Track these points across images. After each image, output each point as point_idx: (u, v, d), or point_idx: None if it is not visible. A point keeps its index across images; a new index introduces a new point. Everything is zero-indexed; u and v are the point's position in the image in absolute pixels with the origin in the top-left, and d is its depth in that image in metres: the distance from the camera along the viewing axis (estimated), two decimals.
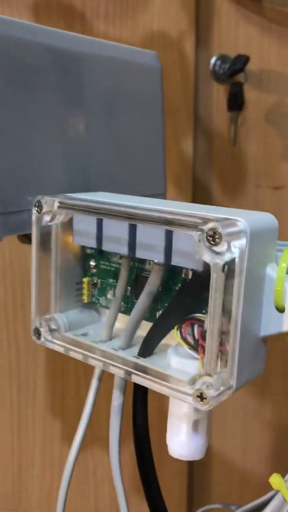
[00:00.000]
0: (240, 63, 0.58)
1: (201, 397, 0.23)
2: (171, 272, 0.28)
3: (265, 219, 0.25)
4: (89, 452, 0.65)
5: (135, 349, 0.28)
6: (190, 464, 0.71)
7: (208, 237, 0.22)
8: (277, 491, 0.29)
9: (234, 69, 0.58)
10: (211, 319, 0.23)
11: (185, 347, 0.26)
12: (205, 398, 0.23)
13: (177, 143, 0.61)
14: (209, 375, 0.23)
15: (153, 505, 0.28)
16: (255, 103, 0.62)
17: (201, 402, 0.23)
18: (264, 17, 0.62)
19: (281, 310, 0.25)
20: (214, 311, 0.23)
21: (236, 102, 0.59)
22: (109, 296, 0.28)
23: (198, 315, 0.27)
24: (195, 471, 0.73)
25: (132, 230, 0.26)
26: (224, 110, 0.62)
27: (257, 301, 0.25)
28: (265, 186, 0.65)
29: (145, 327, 0.29)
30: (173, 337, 0.28)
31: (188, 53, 0.60)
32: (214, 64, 0.61)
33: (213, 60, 0.61)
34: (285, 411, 0.70)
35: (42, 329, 0.30)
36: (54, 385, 0.63)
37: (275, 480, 0.29)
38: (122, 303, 0.30)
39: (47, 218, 0.29)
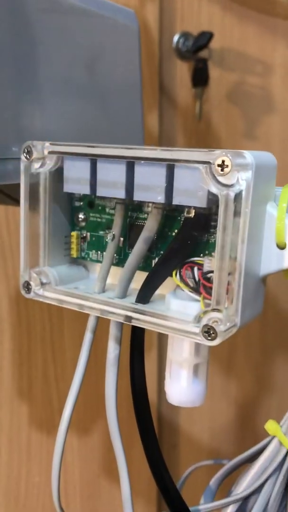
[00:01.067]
0: (204, 39, 0.58)
1: (208, 332, 0.23)
2: (167, 217, 0.27)
3: (267, 156, 0.25)
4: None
5: (131, 299, 0.28)
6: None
7: (218, 167, 0.22)
8: (273, 437, 0.30)
9: (198, 45, 0.58)
10: (220, 256, 0.23)
11: (186, 289, 0.26)
12: (213, 333, 0.23)
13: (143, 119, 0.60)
14: (218, 310, 0.23)
15: (153, 463, 0.28)
16: (217, 81, 0.63)
17: (209, 338, 0.23)
18: None
19: (282, 247, 0.25)
20: (224, 246, 0.23)
21: (201, 78, 0.59)
22: (108, 239, 0.28)
23: (196, 258, 0.26)
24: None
25: (130, 171, 0.26)
26: (187, 87, 0.62)
27: (259, 239, 0.25)
28: None
29: (138, 279, 0.28)
30: (166, 286, 0.28)
31: (152, 29, 0.60)
32: (177, 42, 0.62)
33: (176, 37, 0.62)
34: (249, 387, 0.71)
35: (32, 283, 0.29)
36: (21, 368, 0.62)
37: (271, 426, 0.30)
38: (115, 254, 0.29)
39: (36, 165, 0.28)
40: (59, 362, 0.62)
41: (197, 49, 0.59)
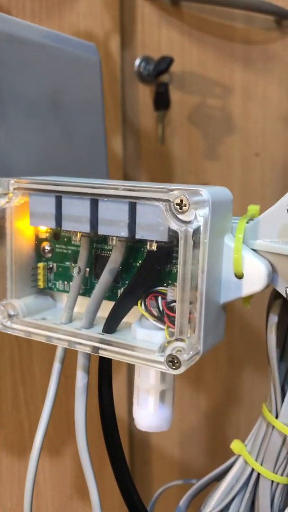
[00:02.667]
0: (164, 63, 0.60)
1: (172, 362, 0.24)
2: (131, 249, 0.28)
3: (222, 191, 0.26)
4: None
5: (97, 329, 0.29)
6: (132, 461, 0.72)
7: (176, 205, 0.23)
8: (239, 456, 0.31)
9: (159, 70, 0.60)
10: (182, 287, 0.24)
11: (151, 319, 0.27)
12: (177, 363, 0.24)
13: (107, 144, 0.62)
14: (181, 340, 0.24)
15: (123, 486, 0.29)
16: (178, 104, 0.65)
17: (173, 367, 0.24)
18: (184, 22, 0.64)
19: (239, 276, 0.26)
20: (184, 278, 0.24)
21: (162, 102, 0.61)
22: (74, 273, 0.29)
23: (160, 288, 0.27)
24: (136, 469, 0.73)
25: (94, 206, 0.27)
26: (150, 110, 0.64)
27: (217, 269, 0.26)
28: (190, 183, 0.67)
29: (104, 308, 0.29)
30: (132, 315, 0.29)
31: (114, 54, 0.61)
32: (139, 66, 0.63)
33: (137, 61, 0.63)
34: (218, 400, 0.72)
35: (0, 316, 0.29)
36: None
37: (236, 445, 0.31)
38: (81, 285, 0.30)
39: (2, 200, 0.28)
40: (29, 385, 0.62)
41: (158, 73, 0.61)
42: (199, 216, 0.24)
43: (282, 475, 0.29)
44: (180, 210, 0.23)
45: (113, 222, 0.26)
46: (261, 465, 0.30)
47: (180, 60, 0.64)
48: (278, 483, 0.30)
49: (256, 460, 0.30)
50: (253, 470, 0.30)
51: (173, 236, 0.25)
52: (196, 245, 0.24)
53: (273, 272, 0.26)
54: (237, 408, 0.70)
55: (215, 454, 0.71)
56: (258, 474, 0.30)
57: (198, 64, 0.65)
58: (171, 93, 0.63)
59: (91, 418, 0.31)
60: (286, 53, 0.61)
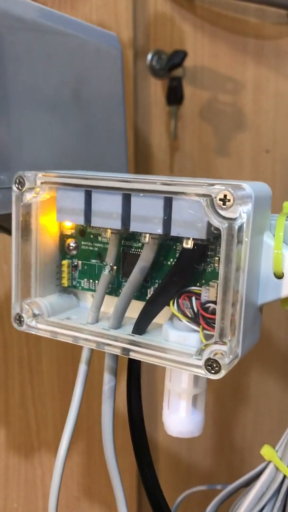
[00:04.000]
0: (178, 57, 0.59)
1: (212, 366, 0.23)
2: (162, 247, 0.27)
3: (262, 187, 0.25)
4: (36, 459, 0.62)
5: (126, 329, 0.28)
6: None
7: (219, 201, 0.22)
8: (269, 462, 0.30)
9: (172, 64, 0.59)
10: (224, 288, 0.23)
11: (184, 320, 0.26)
12: (217, 367, 0.23)
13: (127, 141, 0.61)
14: (222, 343, 0.23)
15: (150, 491, 0.27)
16: (190, 99, 0.64)
17: (212, 371, 0.23)
18: (197, 16, 0.63)
19: (279, 276, 0.25)
20: (227, 278, 0.23)
21: (175, 96, 0.59)
22: (105, 271, 0.27)
23: (194, 288, 0.26)
24: None
25: (126, 202, 0.25)
26: (162, 105, 0.62)
27: (257, 269, 0.25)
28: None
29: (131, 308, 0.28)
30: (161, 315, 0.28)
31: (126, 47, 0.60)
32: (151, 59, 0.62)
33: (150, 55, 0.62)
34: (225, 400, 0.71)
35: (24, 315, 0.28)
36: None
37: (267, 451, 0.30)
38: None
39: (28, 195, 0.27)
40: (36, 384, 0.61)
41: (171, 67, 0.59)
42: (242, 213, 0.22)
43: None
44: (223, 206, 0.22)
45: (147, 218, 0.25)
46: None
47: (192, 55, 0.63)
48: None
49: None
50: (285, 477, 0.29)
51: (212, 233, 0.24)
52: (238, 242, 0.23)
53: None
54: (243, 409, 0.69)
55: (222, 454, 0.70)
56: None
57: (210, 59, 0.64)
58: (183, 88, 0.62)
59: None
60: None
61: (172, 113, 0.61)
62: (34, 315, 0.28)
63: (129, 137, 0.61)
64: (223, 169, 0.64)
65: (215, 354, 0.23)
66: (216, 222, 0.22)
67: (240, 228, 0.23)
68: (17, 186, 0.27)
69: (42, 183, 0.27)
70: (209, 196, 0.22)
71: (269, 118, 0.62)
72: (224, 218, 0.22)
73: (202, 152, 0.65)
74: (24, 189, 0.27)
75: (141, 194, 0.25)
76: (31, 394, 0.61)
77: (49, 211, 0.28)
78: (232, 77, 0.64)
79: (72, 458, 0.64)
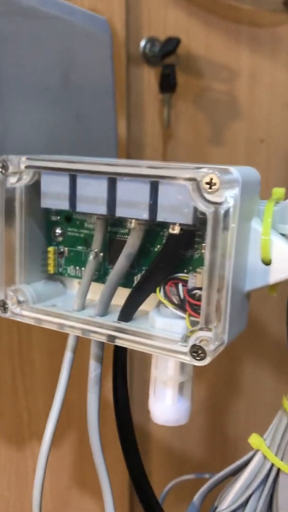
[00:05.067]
0: (172, 45, 0.58)
1: (197, 352, 0.23)
2: (148, 232, 0.27)
3: (250, 171, 0.25)
4: (28, 449, 0.62)
5: (112, 317, 0.27)
6: None
7: (206, 184, 0.22)
8: (257, 450, 0.30)
9: (166, 51, 0.58)
10: (209, 274, 0.22)
11: (170, 307, 0.26)
12: (202, 353, 0.23)
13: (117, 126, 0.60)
14: (207, 329, 0.23)
15: (136, 481, 0.27)
16: (184, 87, 0.63)
17: (198, 358, 0.23)
18: (191, 2, 0.62)
19: (267, 262, 0.25)
20: (213, 264, 0.22)
21: (169, 84, 0.59)
22: (90, 257, 0.27)
23: (180, 274, 0.26)
24: None
25: (112, 187, 0.25)
26: (155, 93, 0.62)
27: (244, 255, 0.25)
28: None
29: (118, 295, 0.28)
30: (148, 303, 0.27)
31: (119, 33, 0.59)
32: (145, 47, 0.61)
33: (143, 42, 0.61)
34: (218, 390, 0.71)
35: (8, 302, 0.28)
36: None
37: (255, 440, 0.29)
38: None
39: (12, 179, 0.27)
40: (28, 374, 0.60)
41: (164, 54, 0.59)
42: (229, 197, 0.22)
43: None
44: (209, 190, 0.22)
45: (133, 203, 0.25)
46: (281, 460, 0.28)
47: (185, 42, 0.62)
48: None
49: (276, 455, 0.29)
50: (272, 465, 0.29)
51: (198, 219, 0.24)
52: (224, 228, 0.22)
53: None
54: (236, 399, 0.69)
55: (214, 444, 0.71)
56: (278, 470, 0.29)
57: (204, 47, 0.63)
58: (177, 76, 0.61)
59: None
60: None
61: (165, 101, 0.60)
62: (19, 302, 0.28)
63: (122, 125, 0.60)
64: (217, 158, 0.64)
65: (201, 340, 0.23)
66: (202, 207, 0.22)
67: (227, 213, 0.22)
68: (0, 170, 0.26)
69: (26, 167, 0.26)
70: (195, 180, 0.22)
71: (264, 107, 0.61)
72: (210, 202, 0.22)
73: (196, 140, 0.64)
74: (7, 173, 0.26)
75: (127, 179, 0.24)
76: (22, 384, 0.60)
77: (35, 196, 0.28)
78: (226, 65, 0.63)
79: (63, 448, 0.64)
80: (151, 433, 0.71)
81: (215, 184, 0.21)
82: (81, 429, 0.62)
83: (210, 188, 0.22)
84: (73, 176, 0.26)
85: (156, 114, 0.62)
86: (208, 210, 0.22)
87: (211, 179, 0.21)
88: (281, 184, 0.69)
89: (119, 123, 0.60)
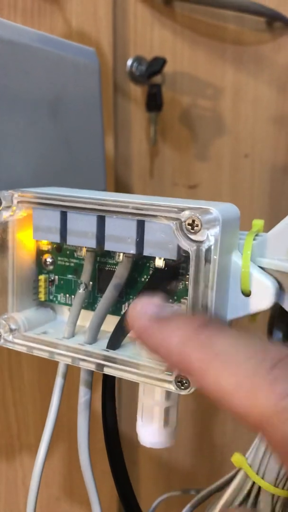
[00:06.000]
0: (158, 64, 0.59)
1: (181, 382, 0.24)
2: (136, 264, 0.28)
3: (230, 208, 0.26)
4: (17, 461, 0.63)
5: (101, 344, 0.28)
6: None
7: (188, 225, 0.23)
8: (239, 469, 0.31)
9: (152, 71, 0.59)
10: (192, 306, 0.24)
11: None
12: (186, 383, 0.24)
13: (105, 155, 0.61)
14: None
15: (124, 499, 0.28)
16: (170, 104, 0.64)
17: (182, 387, 0.24)
18: (177, 22, 0.64)
19: (247, 294, 0.26)
20: (195, 296, 0.24)
21: (155, 103, 0.60)
22: (80, 290, 0.28)
23: None
24: None
25: (101, 222, 0.26)
26: (142, 111, 0.63)
27: (225, 287, 0.26)
28: (181, 185, 0.67)
29: (107, 322, 0.29)
30: None
31: (106, 53, 0.60)
32: (131, 66, 0.62)
33: (129, 61, 0.62)
34: (205, 400, 0.72)
35: (1, 330, 0.29)
36: None
37: (237, 458, 0.31)
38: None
39: (5, 214, 0.28)
40: (17, 387, 0.61)
41: (150, 74, 0.60)
42: (210, 236, 0.23)
43: (283, 488, 0.30)
44: (192, 230, 0.23)
45: (120, 238, 0.26)
46: (262, 478, 0.30)
47: (172, 61, 0.63)
48: (279, 496, 0.30)
49: (257, 474, 0.30)
50: (254, 483, 0.30)
51: (182, 254, 0.25)
52: (206, 263, 0.24)
53: (280, 290, 0.26)
54: (224, 410, 0.70)
55: (202, 452, 0.72)
56: (259, 488, 0.30)
57: (189, 65, 0.65)
58: (163, 94, 0.63)
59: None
60: (277, 55, 0.61)
61: (152, 120, 0.62)
62: (11, 330, 0.29)
63: (109, 143, 0.61)
64: (203, 173, 0.65)
65: None
66: (185, 245, 0.23)
67: (208, 250, 0.24)
68: None
69: (18, 202, 0.28)
70: (179, 220, 0.23)
71: (248, 123, 0.63)
72: (192, 241, 0.23)
73: (182, 157, 0.66)
74: (0, 207, 0.28)
75: (115, 216, 0.25)
76: (12, 397, 0.61)
77: (26, 227, 0.29)
78: (211, 83, 0.65)
79: (53, 459, 0.65)
80: (139, 446, 0.72)
81: (197, 225, 0.23)
82: (70, 441, 0.63)
83: (192, 228, 0.23)
84: (64, 212, 0.27)
85: (143, 132, 0.64)
86: (190, 248, 0.23)
87: (193, 220, 0.23)
88: (265, 198, 0.70)
89: (106, 140, 0.61)
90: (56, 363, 0.32)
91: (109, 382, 0.29)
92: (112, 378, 0.29)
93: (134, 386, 0.65)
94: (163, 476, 0.73)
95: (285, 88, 0.62)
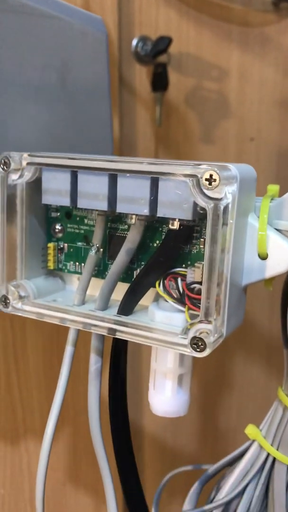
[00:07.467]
0: (163, 44, 0.58)
1: (197, 344, 0.24)
2: (148, 228, 0.27)
3: (248, 169, 0.25)
4: (22, 445, 0.62)
5: (112, 311, 0.28)
6: None
7: (205, 181, 0.22)
8: (253, 441, 0.30)
9: (157, 50, 0.58)
10: (209, 268, 0.23)
11: (170, 301, 0.26)
12: (202, 345, 0.23)
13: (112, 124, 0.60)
14: (207, 322, 0.23)
15: (123, 474, 0.28)
16: (175, 85, 0.64)
17: (198, 350, 0.24)
18: (182, 2, 0.63)
19: (263, 257, 0.25)
20: (213, 258, 0.23)
21: (161, 83, 0.59)
22: (92, 251, 0.27)
23: (179, 269, 0.27)
24: None
25: (112, 183, 0.26)
26: (147, 91, 0.62)
27: (241, 250, 0.25)
28: None
29: (117, 289, 0.28)
30: (146, 297, 0.28)
31: (111, 33, 0.59)
32: (136, 45, 0.61)
33: (134, 41, 0.61)
34: (209, 386, 0.72)
35: (10, 297, 0.28)
36: None
37: (251, 430, 0.30)
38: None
39: (14, 176, 0.27)
40: (22, 370, 0.61)
41: (156, 53, 0.59)
42: (228, 193, 0.23)
43: None
44: (209, 186, 0.22)
45: (133, 199, 0.25)
46: (277, 449, 0.29)
47: (177, 41, 0.62)
48: None
49: (272, 445, 0.29)
50: (268, 455, 0.30)
51: (197, 214, 0.24)
52: (224, 223, 0.23)
53: None
54: (228, 394, 0.70)
55: (206, 439, 0.71)
56: (274, 459, 0.29)
57: (195, 45, 0.64)
58: (168, 74, 0.62)
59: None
60: (283, 36, 0.60)
61: (157, 100, 0.61)
62: (20, 297, 0.28)
63: (114, 124, 0.61)
64: (208, 156, 0.64)
65: (201, 332, 0.23)
66: (202, 202, 0.23)
67: (226, 208, 0.23)
68: (2, 167, 0.27)
69: (27, 163, 0.27)
70: (195, 176, 0.23)
71: (254, 105, 0.62)
72: (210, 198, 0.23)
73: (187, 139, 0.65)
74: (9, 169, 0.27)
75: (128, 175, 0.25)
76: (17, 381, 0.61)
77: (36, 192, 0.28)
78: (217, 64, 0.64)
79: (58, 444, 0.64)
80: (144, 429, 0.72)
81: (215, 180, 0.22)
82: (76, 426, 0.63)
83: (210, 184, 0.22)
84: (74, 172, 0.26)
85: (148, 112, 0.63)
86: (208, 205, 0.23)
87: (211, 175, 0.22)
88: (271, 182, 0.69)
89: (113, 122, 0.61)
90: (60, 348, 0.31)
91: (119, 351, 0.28)
92: (124, 347, 0.29)
93: (138, 370, 0.64)
94: (167, 462, 0.73)
95: None
